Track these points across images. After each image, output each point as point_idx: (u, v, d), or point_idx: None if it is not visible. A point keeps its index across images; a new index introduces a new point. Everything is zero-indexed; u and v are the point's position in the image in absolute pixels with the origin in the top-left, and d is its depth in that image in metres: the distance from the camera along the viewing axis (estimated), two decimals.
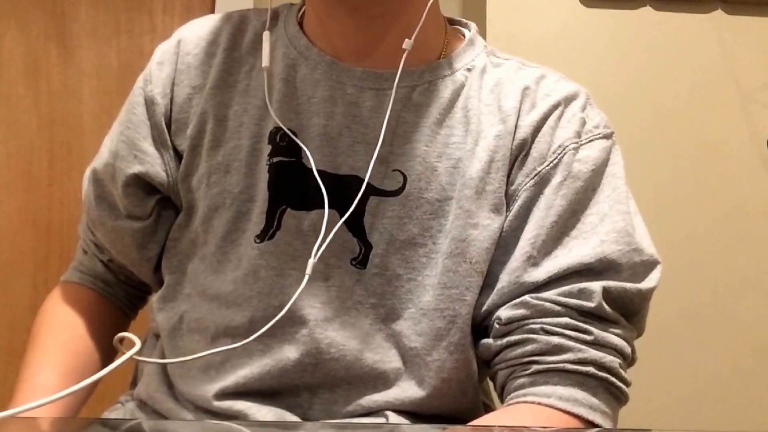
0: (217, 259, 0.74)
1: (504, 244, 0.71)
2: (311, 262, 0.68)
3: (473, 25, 0.81)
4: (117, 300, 0.88)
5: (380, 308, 0.72)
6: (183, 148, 0.77)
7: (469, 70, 0.76)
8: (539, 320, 0.68)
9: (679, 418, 1.49)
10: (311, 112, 0.74)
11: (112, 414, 0.79)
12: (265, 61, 0.74)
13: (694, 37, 1.53)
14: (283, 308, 0.68)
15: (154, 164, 0.77)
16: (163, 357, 0.77)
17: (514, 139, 0.73)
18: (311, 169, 0.72)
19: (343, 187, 0.72)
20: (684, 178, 1.52)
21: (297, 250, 0.72)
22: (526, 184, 0.72)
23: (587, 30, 1.52)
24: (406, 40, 0.72)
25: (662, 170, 1.51)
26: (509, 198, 0.72)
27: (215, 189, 0.74)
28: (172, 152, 0.77)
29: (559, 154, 0.72)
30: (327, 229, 0.70)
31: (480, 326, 0.73)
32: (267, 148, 0.74)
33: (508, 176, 0.72)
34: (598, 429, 0.66)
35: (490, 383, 0.79)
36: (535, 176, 0.72)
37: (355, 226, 0.71)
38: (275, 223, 0.72)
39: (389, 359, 0.71)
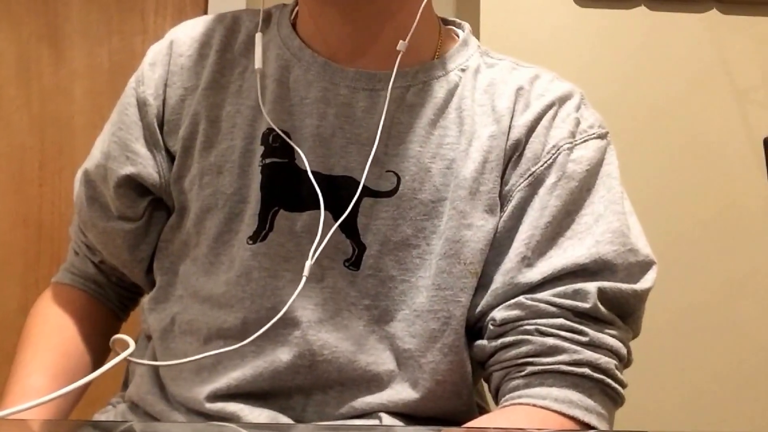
0: (209, 261, 0.74)
1: (498, 245, 0.71)
2: (308, 263, 0.68)
3: (467, 26, 0.81)
4: (108, 302, 0.88)
5: (374, 310, 0.71)
6: (175, 149, 0.76)
7: (462, 70, 0.76)
8: (534, 321, 0.68)
9: (675, 420, 1.49)
10: (304, 113, 0.73)
11: (103, 416, 0.79)
12: (258, 63, 0.74)
13: (689, 36, 1.53)
14: (275, 309, 0.68)
15: (146, 165, 0.77)
16: (155, 359, 0.76)
17: (508, 140, 0.72)
18: (304, 171, 0.71)
19: (336, 188, 0.71)
20: (680, 178, 1.52)
21: (290, 251, 0.71)
22: (520, 185, 0.71)
23: (581, 30, 1.52)
24: (401, 41, 0.71)
25: (657, 170, 1.51)
26: (503, 198, 0.72)
27: (208, 190, 0.74)
28: (165, 153, 0.77)
29: (553, 155, 0.72)
30: (322, 230, 0.69)
31: (474, 327, 0.72)
32: (260, 150, 0.73)
33: (502, 177, 0.72)
34: (593, 431, 0.65)
35: (485, 385, 0.79)
36: (529, 177, 0.71)
37: (349, 227, 0.71)
38: (268, 225, 0.72)
39: (383, 361, 0.71)
